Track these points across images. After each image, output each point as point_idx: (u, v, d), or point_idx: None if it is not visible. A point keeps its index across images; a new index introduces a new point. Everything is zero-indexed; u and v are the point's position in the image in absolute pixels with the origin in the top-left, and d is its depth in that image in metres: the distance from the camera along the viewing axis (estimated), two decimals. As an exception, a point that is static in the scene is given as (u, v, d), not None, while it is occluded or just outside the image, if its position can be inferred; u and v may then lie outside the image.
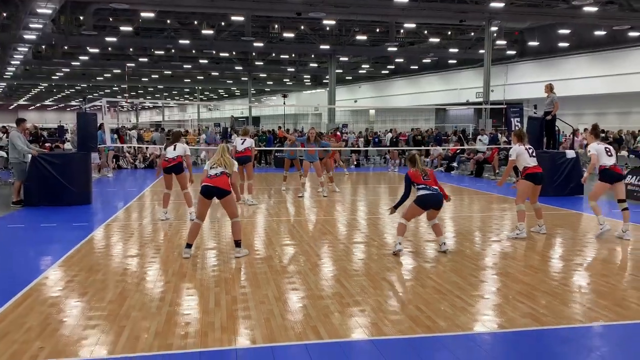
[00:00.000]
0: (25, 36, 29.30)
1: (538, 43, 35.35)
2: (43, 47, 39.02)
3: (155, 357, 4.09)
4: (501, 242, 8.19)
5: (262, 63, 46.25)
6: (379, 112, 52.95)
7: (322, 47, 35.65)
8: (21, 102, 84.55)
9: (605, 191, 8.52)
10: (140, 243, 8.03)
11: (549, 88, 13.44)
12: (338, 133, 25.79)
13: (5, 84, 59.67)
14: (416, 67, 46.54)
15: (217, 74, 53.28)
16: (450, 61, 41.85)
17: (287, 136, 16.37)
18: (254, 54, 43.30)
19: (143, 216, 10.55)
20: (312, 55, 44.23)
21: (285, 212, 11.15)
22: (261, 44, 34.25)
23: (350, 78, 55.04)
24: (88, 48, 38.28)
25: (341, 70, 46.85)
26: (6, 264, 6.87)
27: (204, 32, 32.73)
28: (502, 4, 24.87)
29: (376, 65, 48.13)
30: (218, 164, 7.06)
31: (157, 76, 55.36)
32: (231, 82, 59.08)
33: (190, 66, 46.26)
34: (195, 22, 33.52)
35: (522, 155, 8.44)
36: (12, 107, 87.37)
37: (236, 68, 47.39)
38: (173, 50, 40.46)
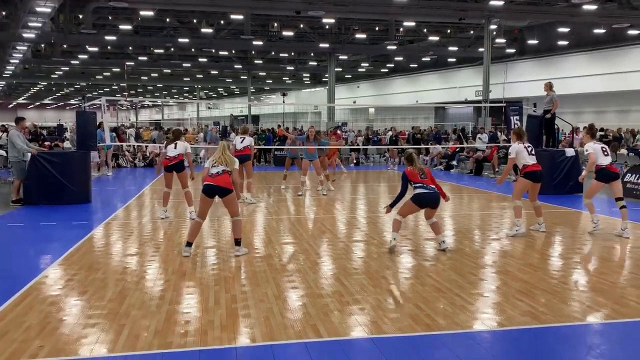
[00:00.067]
0: (25, 35, 29.24)
1: (537, 41, 35.32)
2: (42, 45, 38.96)
3: (155, 355, 4.10)
4: (500, 240, 8.20)
5: (261, 61, 46.21)
6: (378, 110, 52.92)
7: (321, 45, 35.62)
8: (20, 100, 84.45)
9: (600, 190, 8.67)
10: (140, 242, 8.03)
11: (549, 86, 13.45)
12: (338, 132, 25.77)
13: (4, 82, 59.58)
14: (415, 65, 46.52)
15: (217, 72, 53.24)
16: (449, 59, 41.82)
17: (286, 135, 16.37)
18: (253, 52, 43.25)
19: (143, 215, 10.55)
20: (312, 54, 44.19)
21: (284, 211, 11.16)
22: (260, 43, 34.21)
23: (350, 76, 55.01)
24: (87, 47, 38.25)
25: (340, 69, 46.80)
26: (6, 263, 6.87)
27: (203, 30, 32.67)
28: (501, 2, 24.85)
29: (375, 63, 48.10)
30: (219, 162, 7.05)
31: (156, 75, 55.32)
32: (230, 80, 59.01)
33: (189, 65, 46.20)
34: (195, 21, 33.47)
35: (521, 153, 8.49)
36: (11, 105, 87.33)
37: (235, 66, 47.34)
38: (172, 49, 40.39)
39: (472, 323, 4.81)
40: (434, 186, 7.26)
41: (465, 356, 4.12)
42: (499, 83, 32.08)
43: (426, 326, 4.67)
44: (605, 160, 8.40)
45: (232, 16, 29.48)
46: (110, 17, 32.17)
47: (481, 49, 29.85)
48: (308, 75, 54.94)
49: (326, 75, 41.67)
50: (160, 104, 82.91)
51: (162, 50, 41.65)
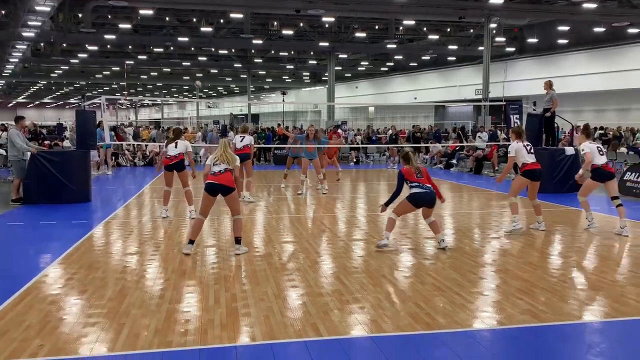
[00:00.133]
0: (24, 34, 29.22)
1: (537, 40, 35.30)
2: (42, 44, 38.91)
3: (155, 354, 4.10)
4: (500, 239, 8.20)
5: (261, 60, 46.17)
6: (378, 109, 52.90)
7: (321, 44, 35.59)
8: (20, 99, 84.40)
9: (594, 189, 8.74)
10: (139, 241, 8.03)
11: (548, 85, 13.46)
12: (339, 131, 25.73)
13: (4, 81, 59.56)
14: (415, 64, 46.49)
15: (216, 71, 53.21)
16: (449, 58, 41.81)
17: (287, 134, 16.38)
18: (253, 51, 43.21)
19: (142, 214, 10.56)
20: (311, 53, 44.16)
21: (284, 210, 11.16)
22: (260, 42, 34.18)
23: (350, 75, 54.98)
24: (87, 46, 38.20)
25: (340, 68, 46.78)
26: (6, 262, 6.87)
27: (202, 29, 32.63)
28: (501, 1, 24.84)
29: (375, 62, 48.06)
30: (221, 159, 7.08)
31: (156, 74, 55.26)
32: (230, 79, 58.97)
33: (189, 64, 46.17)
34: (194, 20, 33.44)
35: (521, 151, 8.55)
36: (11, 104, 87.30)
37: (235, 65, 47.31)
38: (172, 48, 40.37)
39: (472, 322, 4.81)
40: (429, 185, 7.26)
41: (465, 355, 4.12)
42: (499, 82, 32.04)
43: (426, 325, 4.67)
44: (601, 160, 8.48)
45: (232, 15, 29.46)
46: (109, 16, 32.15)
47: (481, 48, 29.84)
48: (308, 74, 54.88)
49: (326, 74, 41.65)
50: (160, 102, 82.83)
51: (161, 49, 41.61)
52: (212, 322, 4.69)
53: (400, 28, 34.11)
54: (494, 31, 29.30)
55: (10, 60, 39.55)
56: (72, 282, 5.90)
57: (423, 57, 43.46)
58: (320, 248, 7.58)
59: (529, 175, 8.50)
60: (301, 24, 34.20)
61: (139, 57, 43.31)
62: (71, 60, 42.82)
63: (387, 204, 7.49)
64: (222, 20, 33.29)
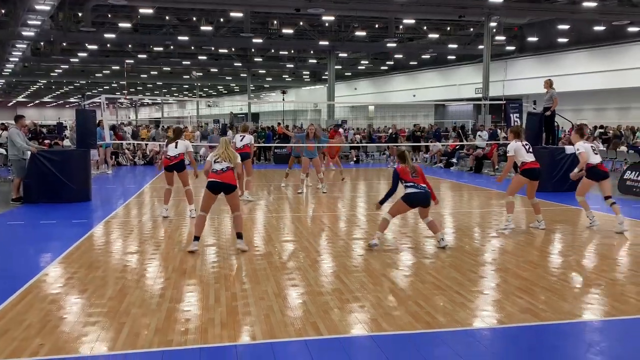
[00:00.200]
0: (24, 33, 29.22)
1: (537, 39, 35.30)
2: (42, 43, 38.89)
3: (156, 353, 4.10)
4: (500, 237, 8.21)
5: (261, 59, 46.16)
6: (378, 108, 52.90)
7: (321, 43, 35.58)
8: (20, 99, 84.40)
9: (591, 188, 8.78)
10: (140, 240, 8.03)
11: (548, 84, 13.46)
12: (340, 130, 25.70)
13: (3, 81, 59.53)
14: (415, 63, 46.48)
15: (216, 70, 53.21)
16: (449, 57, 41.81)
17: (287, 133, 16.38)
18: (253, 50, 43.21)
19: (143, 213, 10.56)
20: (311, 52, 44.15)
21: (284, 209, 11.16)
22: (260, 40, 34.17)
23: (350, 74, 54.97)
24: (87, 45, 38.19)
25: (340, 66, 46.77)
26: (6, 262, 6.87)
27: (202, 28, 32.64)
28: (501, 0, 24.84)
29: (375, 61, 48.06)
30: (222, 157, 7.12)
31: (156, 73, 55.27)
32: (230, 78, 58.97)
33: (189, 62, 46.17)
34: (194, 19, 33.44)
35: (519, 151, 8.60)
36: (10, 104, 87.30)
37: (235, 64, 47.31)
38: (172, 47, 40.38)
39: (472, 320, 4.82)
40: (424, 185, 7.25)
41: (465, 353, 4.12)
42: (499, 80, 32.04)
43: (426, 324, 4.67)
44: (596, 159, 8.53)
45: (232, 14, 29.45)
46: (109, 15, 32.15)
47: (481, 47, 29.85)
48: (308, 73, 54.88)
49: (326, 73, 41.65)
50: (160, 102, 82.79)
51: (161, 48, 41.61)
52: (213, 321, 4.69)
53: (400, 27, 34.13)
54: (494, 30, 29.31)
55: (10, 59, 39.57)
56: (72, 281, 5.90)
57: (423, 56, 43.47)
58: (320, 247, 7.59)
59: (528, 174, 8.54)
60: (301, 23, 34.20)
61: (139, 56, 43.30)
62: (71, 59, 42.82)
63: (381, 202, 7.50)
64: (222, 19, 33.28)
